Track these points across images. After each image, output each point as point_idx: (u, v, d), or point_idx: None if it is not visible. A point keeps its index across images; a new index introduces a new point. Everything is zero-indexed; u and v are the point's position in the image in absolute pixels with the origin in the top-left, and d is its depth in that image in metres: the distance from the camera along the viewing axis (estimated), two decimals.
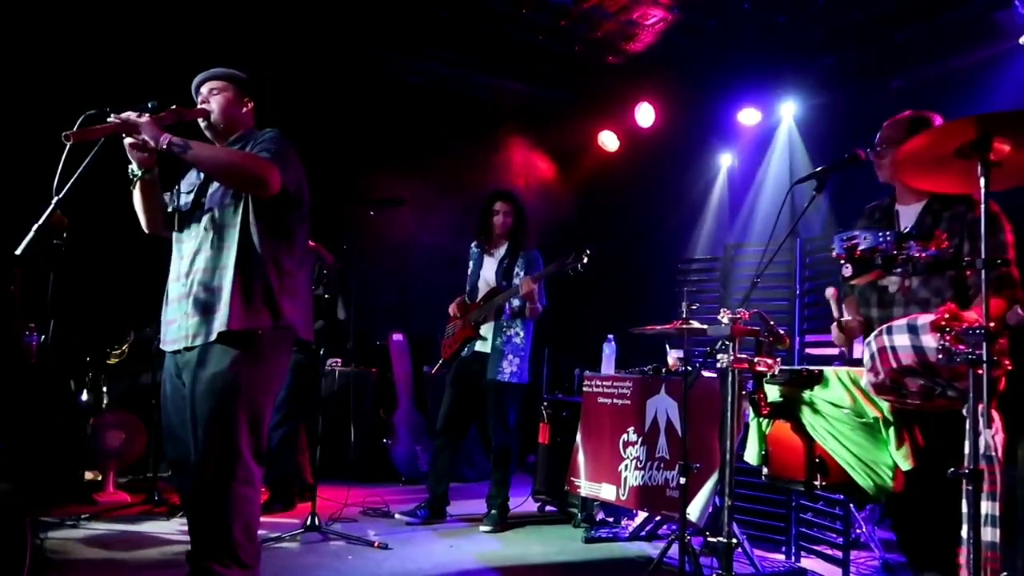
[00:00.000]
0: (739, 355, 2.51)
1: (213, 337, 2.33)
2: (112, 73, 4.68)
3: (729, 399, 2.52)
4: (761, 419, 2.63)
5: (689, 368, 3.12)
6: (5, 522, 2.03)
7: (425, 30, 5.72)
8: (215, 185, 2.49)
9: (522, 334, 4.24)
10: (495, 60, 6.16)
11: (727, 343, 2.52)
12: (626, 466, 3.82)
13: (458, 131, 6.71)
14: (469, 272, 4.45)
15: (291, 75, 5.65)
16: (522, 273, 4.24)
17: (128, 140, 2.34)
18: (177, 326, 2.42)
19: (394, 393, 5.98)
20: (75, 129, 2.14)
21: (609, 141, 6.85)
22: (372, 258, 5.99)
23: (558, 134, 6.92)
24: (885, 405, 2.28)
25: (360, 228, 5.11)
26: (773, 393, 2.57)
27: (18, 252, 2.05)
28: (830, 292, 2.56)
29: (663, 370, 3.92)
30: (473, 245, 4.49)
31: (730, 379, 2.52)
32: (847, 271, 2.19)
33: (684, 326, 2.98)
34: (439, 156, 6.66)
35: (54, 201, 2.15)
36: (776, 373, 2.49)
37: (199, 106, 2.59)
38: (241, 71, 2.67)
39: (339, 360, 5.89)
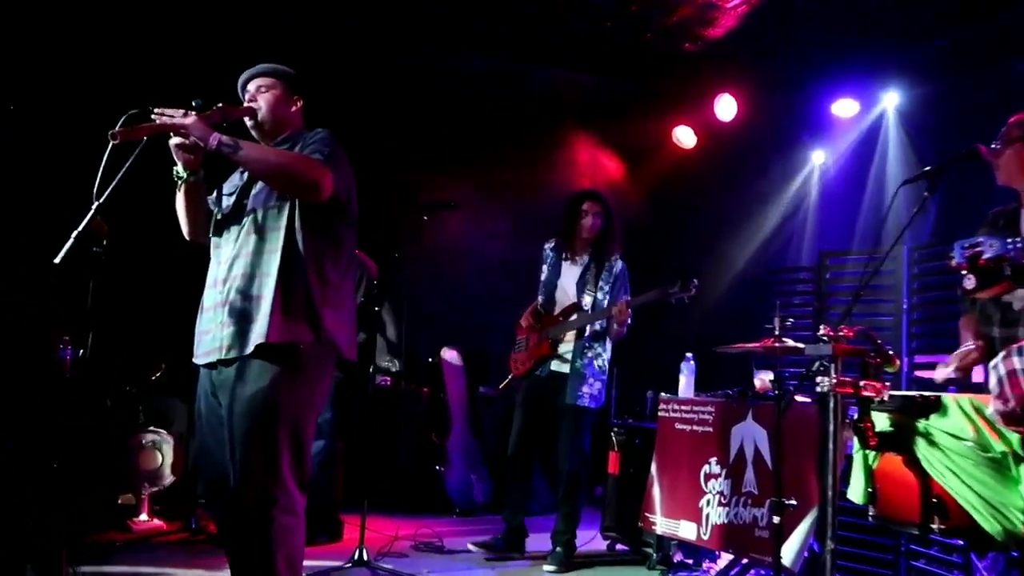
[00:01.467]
0: (842, 377, 2.43)
1: (250, 349, 2.36)
2: (108, 74, 4.83)
3: (830, 428, 2.45)
4: (867, 451, 2.56)
5: (782, 392, 3.04)
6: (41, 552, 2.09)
7: (479, 19, 5.78)
8: (259, 185, 2.54)
9: (604, 356, 4.25)
10: (557, 50, 6.17)
11: (827, 364, 2.45)
12: (708, 501, 3.76)
13: (516, 129, 6.75)
14: (543, 277, 4.45)
15: (334, 72, 5.78)
16: (606, 287, 4.25)
17: (175, 140, 2.40)
18: (211, 336, 2.46)
19: (447, 415, 5.99)
20: (119, 128, 2.20)
21: (685, 137, 6.79)
22: (423, 267, 6.04)
23: (627, 130, 6.88)
24: (1015, 438, 2.20)
25: (410, 235, 5.18)
26: (882, 422, 2.50)
27: (56, 261, 2.11)
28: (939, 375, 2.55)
29: (749, 394, 3.84)
30: (548, 247, 4.49)
31: (831, 405, 2.46)
32: (969, 283, 2.13)
33: (776, 344, 2.91)
34: (495, 157, 6.71)
35: (95, 206, 2.20)
36: (886, 399, 2.43)
37: (246, 104, 2.64)
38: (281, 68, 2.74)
39: (387, 379, 5.94)
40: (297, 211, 2.46)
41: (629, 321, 4.11)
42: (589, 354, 4.20)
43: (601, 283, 4.26)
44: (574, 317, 4.23)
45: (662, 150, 6.92)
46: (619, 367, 5.39)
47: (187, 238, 2.67)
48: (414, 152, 6.50)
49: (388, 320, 5.01)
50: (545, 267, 4.45)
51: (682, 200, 6.94)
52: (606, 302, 4.21)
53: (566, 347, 4.24)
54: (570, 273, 4.37)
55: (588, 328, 4.20)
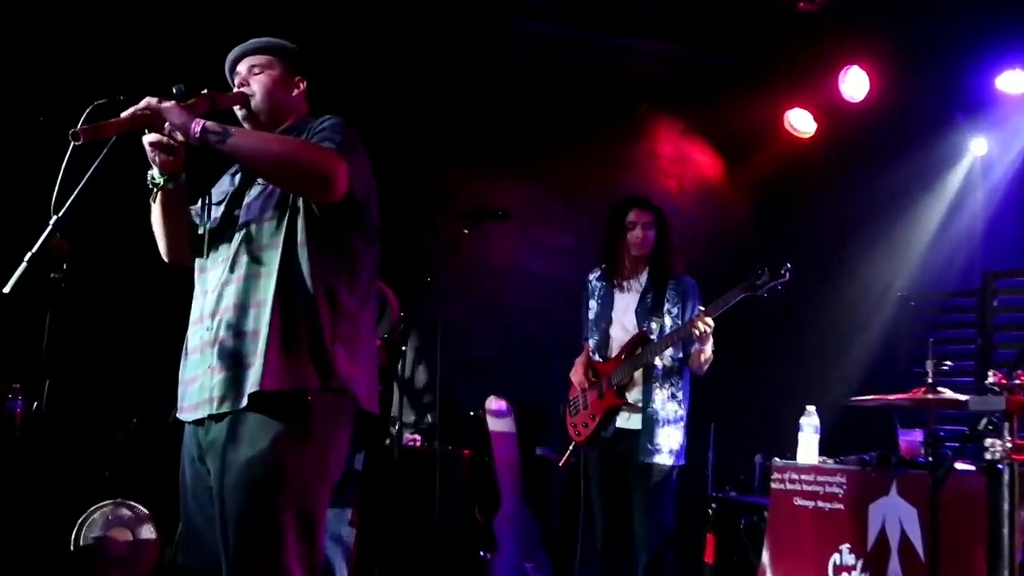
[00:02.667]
0: (1019, 440, 2.46)
1: (244, 401, 2.39)
2: (100, 76, 5.00)
3: (1003, 506, 2.47)
4: None
5: (937, 458, 2.97)
6: None
7: None
8: (254, 191, 2.61)
9: (680, 395, 4.30)
10: (628, 15, 6.18)
11: (998, 421, 2.46)
12: None
13: (579, 116, 6.78)
14: (590, 316, 4.53)
15: (346, 47, 5.94)
16: (675, 310, 4.33)
17: (149, 137, 2.45)
18: (199, 386, 2.50)
19: (494, 485, 5.98)
20: (82, 125, 2.25)
21: (801, 122, 6.72)
22: (462, 294, 6.08)
23: (724, 115, 6.82)
24: None
25: (445, 253, 5.21)
26: None
27: (5, 290, 2.12)
28: None
29: (893, 460, 3.79)
30: (593, 277, 4.60)
31: (1005, 476, 2.47)
32: None
33: (929, 395, 2.86)
34: (553, 152, 6.75)
35: (52, 222, 2.24)
36: None
37: (236, 89, 2.71)
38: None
39: (417, 438, 5.96)
40: (300, 219, 2.52)
41: (711, 344, 4.15)
42: (662, 394, 4.24)
43: (667, 305, 4.35)
44: (639, 352, 4.27)
45: (770, 139, 6.84)
46: (717, 422, 5.35)
47: (166, 260, 2.73)
48: (449, 147, 6.56)
49: (417, 362, 5.05)
50: (592, 302, 4.55)
51: (796, 204, 6.85)
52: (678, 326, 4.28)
53: (636, 393, 4.27)
54: (625, 304, 4.45)
55: (659, 362, 4.24)
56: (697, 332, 4.09)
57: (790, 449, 4.30)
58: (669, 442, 4.19)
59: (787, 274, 3.95)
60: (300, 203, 2.53)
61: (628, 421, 4.27)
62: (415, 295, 4.59)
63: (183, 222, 2.66)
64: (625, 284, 4.47)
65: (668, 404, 4.24)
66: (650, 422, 4.20)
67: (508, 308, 6.73)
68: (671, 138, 7.12)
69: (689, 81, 6.84)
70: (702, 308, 4.15)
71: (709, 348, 4.18)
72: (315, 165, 2.45)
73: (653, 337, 4.28)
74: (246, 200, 2.61)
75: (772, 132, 6.80)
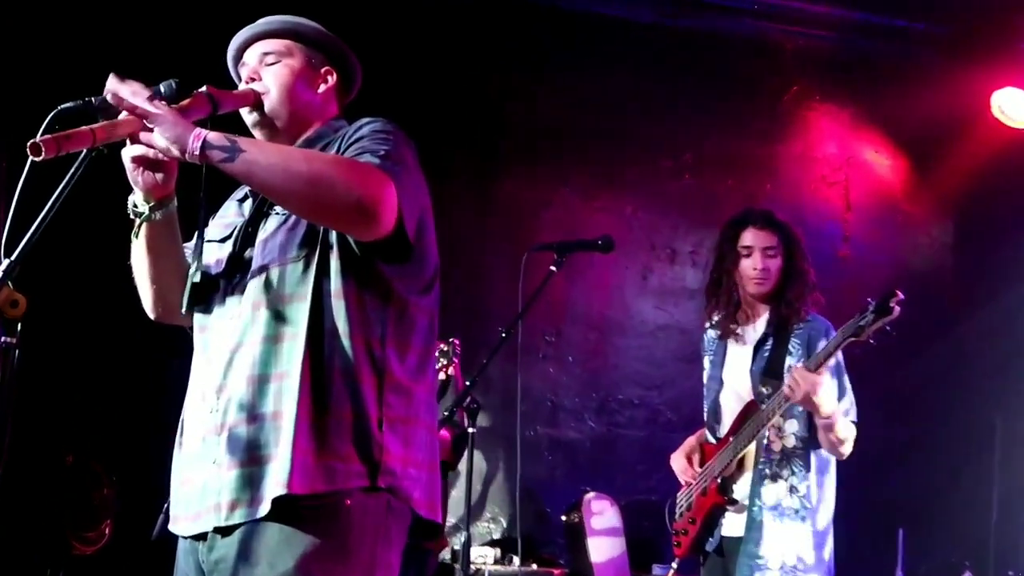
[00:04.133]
0: None
1: (264, 509, 2.39)
2: (64, 67, 5.18)
3: None
4: None
5: None
6: None
7: None
8: (271, 224, 2.60)
9: (806, 488, 4.16)
10: None
11: None
12: None
13: (705, 106, 6.81)
14: (705, 378, 4.57)
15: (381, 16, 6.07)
16: (800, 353, 4.22)
17: (132, 151, 2.44)
18: (201, 488, 2.50)
19: None
20: (42, 135, 2.22)
21: (1015, 107, 6.63)
22: (551, 354, 6.24)
23: (910, 101, 6.77)
24: None
25: (528, 297, 5.21)
26: None
27: None
28: None
29: None
30: (709, 326, 4.61)
31: None
32: None
33: None
34: (672, 156, 6.80)
35: (3, 267, 2.22)
36: None
37: (244, 87, 2.73)
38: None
39: (491, 552, 5.94)
40: (335, 261, 2.49)
41: (837, 413, 4.04)
42: (776, 489, 4.16)
43: (789, 360, 4.25)
44: (747, 428, 4.21)
45: (972, 130, 6.78)
46: (905, 525, 5.27)
47: (152, 316, 2.73)
48: (529, 153, 6.65)
49: (490, 450, 5.04)
50: (706, 360, 4.57)
51: (1012, 214, 6.75)
52: None
53: (743, 485, 4.24)
54: (739, 359, 4.41)
55: (768, 438, 4.19)
56: (792, 393, 3.96)
57: (1013, 561, 4.19)
58: (782, 553, 4.08)
59: (895, 307, 3.82)
60: (334, 239, 2.52)
61: (732, 526, 4.22)
62: (485, 357, 4.57)
63: (175, 265, 2.66)
64: (740, 332, 4.41)
65: (785, 500, 4.14)
66: (754, 526, 4.13)
67: (610, 372, 6.75)
68: (834, 133, 7.12)
69: (858, 55, 6.87)
70: (801, 364, 4.04)
71: (838, 422, 4.04)
72: (354, 188, 2.40)
73: (764, 406, 4.18)
74: (261, 235, 2.59)
75: (975, 121, 6.73)
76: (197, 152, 2.37)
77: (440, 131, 5.98)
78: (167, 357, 2.80)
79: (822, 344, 4.12)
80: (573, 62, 6.65)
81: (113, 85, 2.39)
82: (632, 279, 6.69)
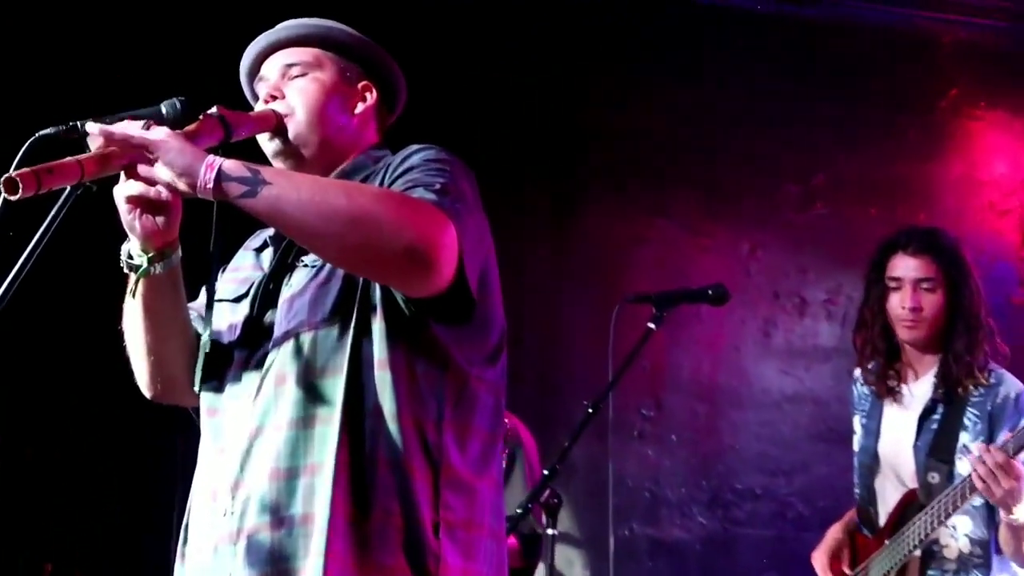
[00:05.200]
0: None
1: None
2: (45, 85, 5.24)
3: None
4: None
5: None
6: None
7: None
8: (299, 278, 2.62)
9: None
10: None
11: None
12: None
13: (840, 116, 6.81)
14: (856, 447, 4.55)
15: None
16: (979, 442, 4.04)
17: (127, 189, 2.45)
18: None
19: None
20: (17, 168, 2.22)
21: None
22: (649, 434, 6.24)
23: None
24: None
25: (620, 362, 5.19)
26: None
27: None
28: None
29: None
30: (857, 375, 4.58)
31: None
32: None
33: None
34: (799, 179, 6.80)
35: None
36: None
37: (263, 107, 2.76)
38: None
39: None
40: (378, 323, 2.51)
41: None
42: None
43: (965, 436, 4.15)
44: (914, 525, 4.11)
45: None
46: None
47: (148, 394, 2.75)
48: (611, 174, 6.67)
49: (576, 558, 4.98)
50: (857, 421, 4.52)
51: None
52: None
53: None
54: (900, 427, 4.35)
55: (945, 544, 4.11)
56: (989, 489, 3.80)
57: None
58: None
59: None
60: (378, 296, 2.54)
61: None
62: (566, 438, 4.55)
63: (178, 330, 2.69)
64: (900, 391, 4.37)
65: None
66: None
67: (725, 455, 6.69)
68: (1004, 148, 7.07)
69: None
70: (991, 446, 3.88)
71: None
72: (405, 229, 2.39)
73: (937, 502, 4.08)
74: (286, 293, 2.62)
75: None
76: (211, 185, 2.35)
77: (502, 154, 6.05)
78: (166, 444, 2.79)
79: (1012, 417, 4.04)
80: (672, 63, 6.66)
81: (97, 129, 2.38)
82: (751, 336, 6.64)
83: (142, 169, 2.40)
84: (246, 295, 2.70)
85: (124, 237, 2.56)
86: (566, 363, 6.19)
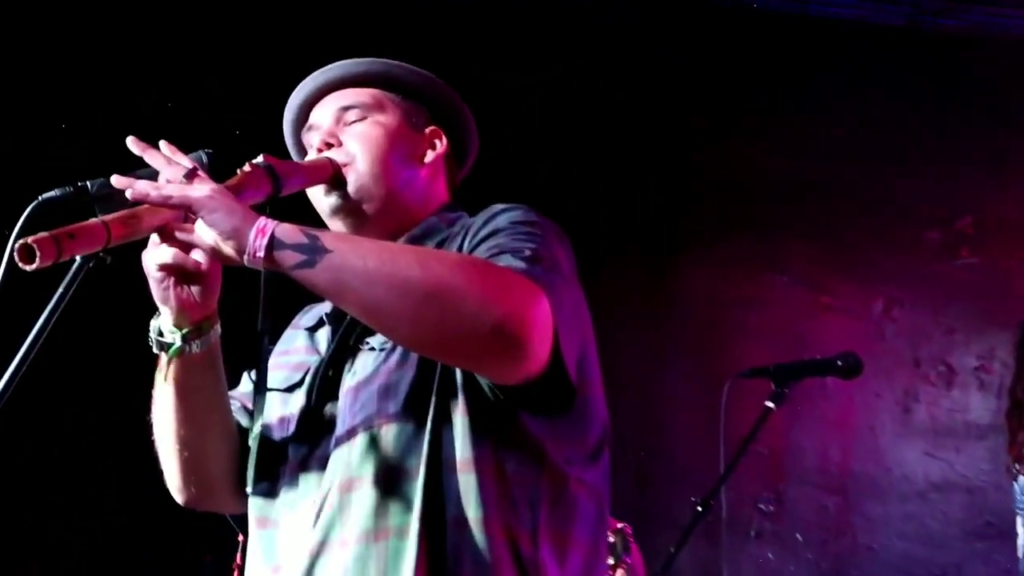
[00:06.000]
0: None
1: None
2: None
3: None
4: None
5: None
6: None
7: None
8: (365, 364, 2.61)
9: None
10: None
11: None
12: None
13: (991, 144, 6.79)
14: (1020, 554, 4.60)
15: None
16: None
17: (158, 256, 2.43)
18: None
19: None
20: (20, 235, 2.20)
21: None
22: (766, 529, 6.24)
23: None
24: None
25: (729, 447, 5.19)
26: None
27: None
28: None
29: None
30: (1018, 472, 4.60)
31: None
32: None
33: None
34: (944, 217, 6.76)
35: None
36: None
37: (316, 156, 2.77)
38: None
39: None
40: (460, 416, 2.49)
41: None
42: None
43: None
44: None
45: None
46: None
47: (180, 499, 2.73)
48: (718, 223, 6.69)
49: None
50: (1020, 523, 4.58)
51: None
52: None
53: None
54: None
55: None
56: None
57: None
58: None
59: None
60: (459, 382, 2.53)
61: None
62: (672, 541, 4.53)
63: (217, 420, 2.69)
64: None
65: None
66: None
67: (861, 556, 6.62)
68: None
69: None
70: None
71: None
72: (493, 304, 2.37)
73: None
74: (349, 381, 2.62)
75: None
76: (261, 253, 2.33)
77: (592, 206, 6.11)
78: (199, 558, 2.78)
79: None
80: (788, 89, 6.69)
81: (124, 184, 2.31)
82: (889, 413, 6.57)
83: (179, 233, 2.40)
84: (300, 383, 2.70)
85: (152, 309, 2.54)
86: (668, 452, 6.20)
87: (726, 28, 6.52)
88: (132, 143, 2.38)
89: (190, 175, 2.35)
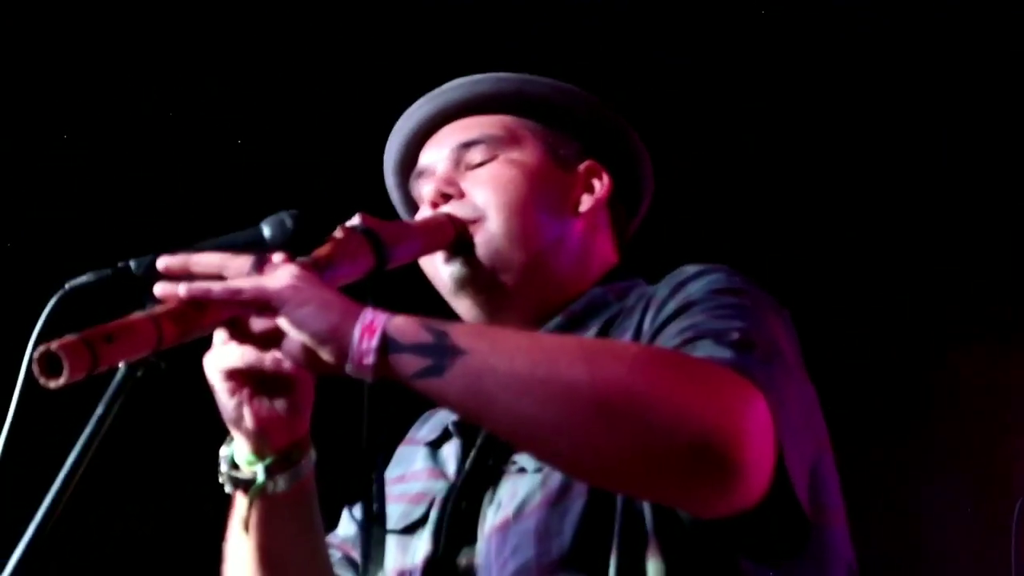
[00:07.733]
0: None
1: None
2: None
3: None
4: None
5: None
6: None
7: None
8: (514, 492, 2.36)
9: None
10: None
11: None
12: None
13: None
14: None
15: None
16: None
17: (228, 357, 2.14)
18: None
19: None
20: (41, 337, 1.96)
21: None
22: None
23: None
24: None
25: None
26: None
27: None
28: None
29: None
30: None
31: None
32: None
33: None
34: None
35: None
36: None
37: (431, 213, 2.55)
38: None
39: None
40: (653, 564, 2.21)
41: None
42: None
43: None
44: None
45: None
46: None
47: None
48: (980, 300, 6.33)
49: None
50: None
51: None
52: None
53: None
54: None
55: None
56: None
57: None
58: None
59: None
60: (648, 515, 2.24)
61: None
62: None
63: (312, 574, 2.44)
64: None
65: None
66: None
67: None
68: None
69: None
70: None
71: None
72: (688, 417, 2.01)
73: None
74: (494, 515, 2.36)
75: None
76: (371, 360, 1.98)
77: (821, 269, 6.01)
78: None
79: None
80: None
81: (176, 266, 2.09)
82: None
83: (256, 326, 2.08)
84: (423, 521, 2.46)
85: (223, 433, 2.27)
86: None
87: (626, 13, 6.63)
88: (163, 263, 2.08)
89: (261, 262, 2.03)
